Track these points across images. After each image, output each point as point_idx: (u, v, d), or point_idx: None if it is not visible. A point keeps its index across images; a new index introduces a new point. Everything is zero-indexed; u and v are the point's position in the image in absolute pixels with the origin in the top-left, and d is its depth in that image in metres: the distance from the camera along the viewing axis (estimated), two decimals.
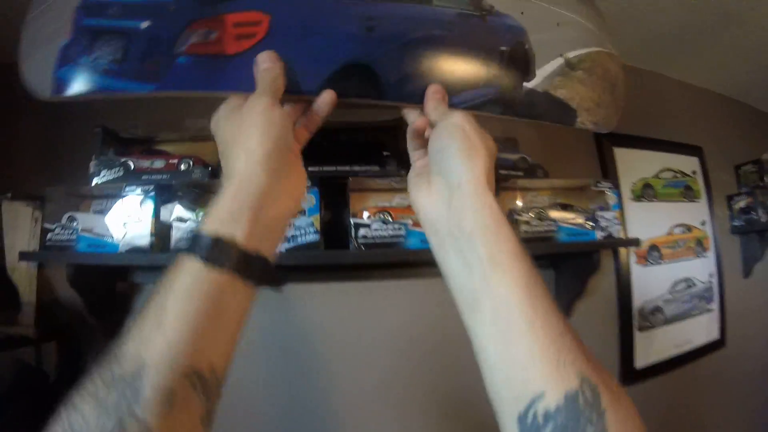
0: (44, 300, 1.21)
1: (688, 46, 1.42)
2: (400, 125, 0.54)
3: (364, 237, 0.90)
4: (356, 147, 1.01)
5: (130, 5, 0.42)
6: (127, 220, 1.01)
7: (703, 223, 1.57)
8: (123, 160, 1.12)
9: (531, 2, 0.52)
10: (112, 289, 1.17)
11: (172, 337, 0.30)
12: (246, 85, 0.41)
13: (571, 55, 0.53)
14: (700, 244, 1.55)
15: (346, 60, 0.44)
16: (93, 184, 1.08)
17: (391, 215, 0.93)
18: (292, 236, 0.88)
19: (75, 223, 1.03)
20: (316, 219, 0.89)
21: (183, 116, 1.18)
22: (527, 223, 1.05)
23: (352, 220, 0.91)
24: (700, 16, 1.25)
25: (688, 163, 1.59)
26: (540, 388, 0.30)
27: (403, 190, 1.01)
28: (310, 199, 0.89)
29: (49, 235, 1.01)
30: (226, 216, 0.35)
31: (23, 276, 1.23)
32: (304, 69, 0.43)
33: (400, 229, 0.92)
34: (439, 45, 0.47)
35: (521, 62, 0.50)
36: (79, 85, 0.41)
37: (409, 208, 0.96)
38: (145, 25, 0.41)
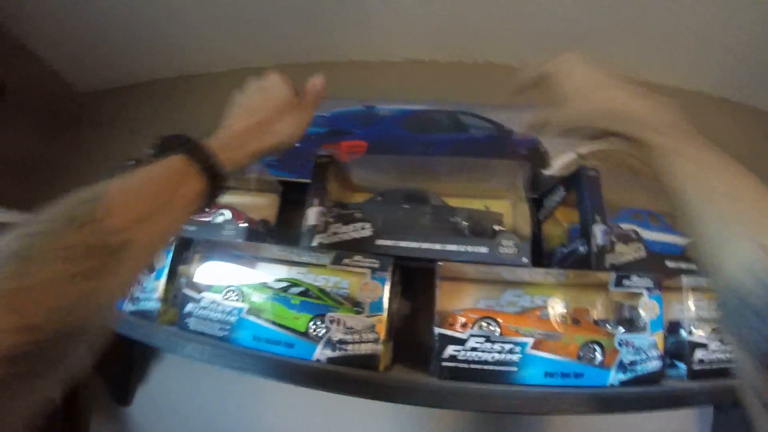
0: None
1: None
2: None
3: (453, 359, 0.56)
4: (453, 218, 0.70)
5: None
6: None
7: None
8: None
9: None
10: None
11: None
12: None
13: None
14: None
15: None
16: None
17: (499, 325, 0.58)
18: (341, 341, 0.57)
19: None
20: (379, 320, 0.57)
21: None
22: (702, 346, 0.63)
23: (437, 330, 0.57)
24: None
25: None
26: None
27: (519, 284, 0.66)
28: (375, 289, 0.58)
29: None
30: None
31: None
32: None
33: (512, 350, 0.56)
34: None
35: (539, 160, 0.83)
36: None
37: (527, 315, 0.61)
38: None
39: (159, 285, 0.73)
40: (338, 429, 0.87)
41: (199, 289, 0.67)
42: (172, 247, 0.75)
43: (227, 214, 0.81)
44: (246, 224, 0.77)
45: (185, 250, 0.74)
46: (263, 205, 0.88)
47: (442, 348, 0.56)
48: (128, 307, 0.73)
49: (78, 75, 1.28)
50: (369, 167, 0.78)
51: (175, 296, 0.73)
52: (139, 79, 1.29)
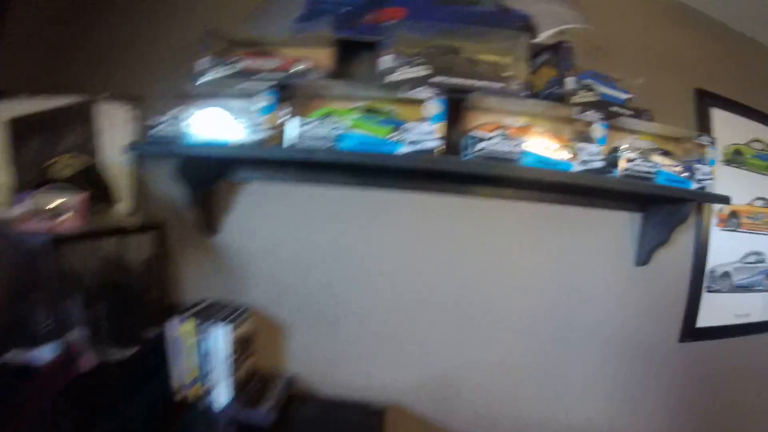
0: (141, 194, 1.30)
1: None
2: None
3: (482, 150, 0.93)
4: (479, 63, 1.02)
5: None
6: (238, 117, 1.06)
7: None
8: (234, 59, 1.15)
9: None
10: (212, 185, 1.24)
11: None
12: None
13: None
14: None
15: None
16: (201, 82, 1.13)
17: (509, 133, 0.95)
18: (413, 141, 0.92)
19: (180, 120, 1.07)
20: (439, 126, 0.91)
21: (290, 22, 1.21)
22: (630, 161, 1.05)
23: (471, 133, 0.93)
24: None
25: None
26: None
27: (520, 113, 1.02)
28: (437, 107, 0.92)
29: (153, 131, 1.07)
30: None
31: (119, 173, 1.31)
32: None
33: (517, 146, 0.94)
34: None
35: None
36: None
37: (525, 129, 0.98)
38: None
39: (268, 117, 1.02)
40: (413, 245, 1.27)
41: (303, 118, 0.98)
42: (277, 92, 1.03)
43: (305, 63, 1.09)
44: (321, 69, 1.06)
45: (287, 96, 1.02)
46: (322, 56, 1.15)
47: (475, 144, 0.93)
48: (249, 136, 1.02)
49: None
50: (414, 29, 1.06)
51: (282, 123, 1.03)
52: None
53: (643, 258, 1.29)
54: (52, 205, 1.05)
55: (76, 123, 1.30)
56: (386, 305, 1.29)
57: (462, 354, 1.31)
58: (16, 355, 1.08)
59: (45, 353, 1.05)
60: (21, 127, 1.24)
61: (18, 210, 1.02)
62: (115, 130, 1.32)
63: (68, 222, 1.03)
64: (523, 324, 1.32)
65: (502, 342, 1.32)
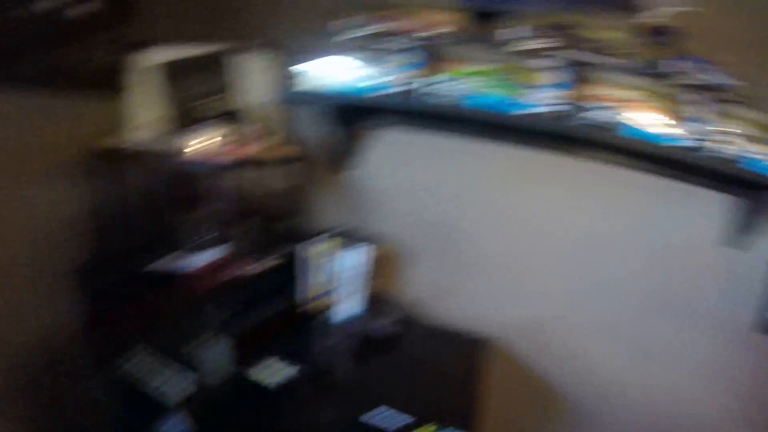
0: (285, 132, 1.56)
1: None
2: None
3: (592, 117, 1.09)
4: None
5: None
6: (378, 71, 1.28)
7: None
8: (375, 19, 1.32)
9: None
10: (351, 128, 1.51)
11: None
12: None
13: None
14: None
15: None
16: (344, 38, 1.33)
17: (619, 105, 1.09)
18: (532, 104, 1.11)
19: (324, 70, 1.31)
20: (557, 93, 1.09)
21: None
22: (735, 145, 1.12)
23: (585, 102, 1.09)
24: None
25: None
26: None
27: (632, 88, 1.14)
28: (556, 76, 1.09)
29: (298, 79, 1.29)
30: None
31: (264, 113, 1.56)
32: None
33: (624, 117, 1.08)
34: None
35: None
36: None
37: (636, 103, 1.10)
38: None
39: (406, 73, 1.23)
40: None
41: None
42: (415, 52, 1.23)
43: (441, 27, 1.27)
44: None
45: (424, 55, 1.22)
46: (457, 21, 1.30)
47: (587, 111, 1.10)
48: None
49: None
50: (541, 4, 1.24)
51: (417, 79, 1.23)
52: None
53: (739, 241, 1.33)
54: (215, 137, 1.31)
55: (224, 68, 1.55)
56: (502, 246, 1.47)
57: (566, 303, 1.46)
58: (173, 261, 1.39)
59: (198, 261, 1.35)
60: (174, 70, 1.48)
61: (187, 139, 1.27)
62: (258, 76, 1.58)
63: (228, 151, 1.27)
64: (619, 286, 1.42)
65: (601, 299, 1.43)
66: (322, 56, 1.35)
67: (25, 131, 1.26)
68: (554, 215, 1.43)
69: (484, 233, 1.49)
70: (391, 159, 1.53)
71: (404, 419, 1.06)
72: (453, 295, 1.54)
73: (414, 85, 1.22)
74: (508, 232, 1.47)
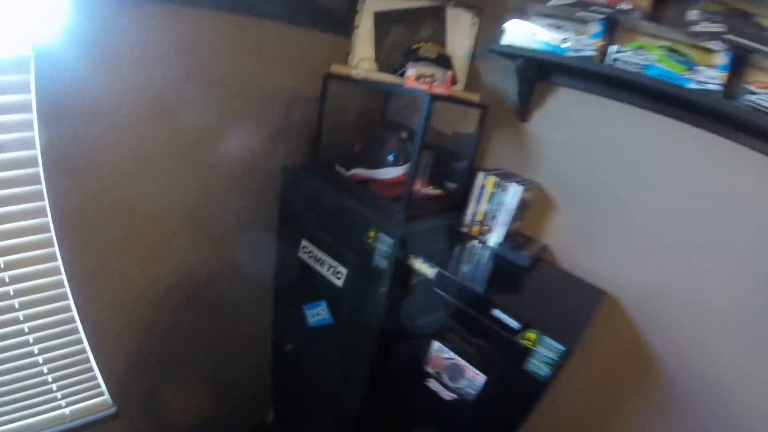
0: (476, 81, 1.89)
1: None
2: None
3: (752, 102, 1.26)
4: None
5: None
6: (569, 35, 1.52)
7: None
8: None
9: None
10: (534, 84, 1.75)
11: None
12: None
13: None
14: None
15: None
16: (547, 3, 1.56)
17: None
18: (700, 81, 1.29)
19: (521, 29, 1.57)
20: (724, 75, 1.27)
21: None
22: None
23: (747, 86, 1.26)
24: None
25: None
26: None
27: None
28: (724, 59, 1.26)
29: (496, 35, 1.57)
30: None
31: (462, 62, 1.89)
32: None
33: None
34: None
35: None
36: None
37: None
38: None
39: (595, 40, 1.48)
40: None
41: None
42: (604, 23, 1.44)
43: (628, 3, 1.48)
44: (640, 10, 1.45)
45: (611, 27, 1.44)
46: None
47: (748, 95, 1.28)
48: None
49: None
50: None
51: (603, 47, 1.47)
52: None
53: None
54: (428, 73, 1.60)
55: (430, 20, 1.88)
56: (648, 214, 1.53)
57: (697, 281, 1.48)
58: (369, 171, 1.76)
59: (389, 173, 1.72)
60: (383, 19, 1.82)
61: (406, 73, 1.56)
62: (460, 30, 1.90)
63: (438, 88, 1.52)
64: (760, 276, 1.37)
65: (737, 284, 1.41)
66: (522, 17, 1.60)
67: (280, 51, 1.76)
68: (707, 196, 1.44)
69: (632, 198, 1.58)
70: (562, 115, 1.70)
71: (515, 324, 1.28)
72: (589, 248, 1.68)
73: (601, 51, 1.43)
74: (656, 202, 1.53)
